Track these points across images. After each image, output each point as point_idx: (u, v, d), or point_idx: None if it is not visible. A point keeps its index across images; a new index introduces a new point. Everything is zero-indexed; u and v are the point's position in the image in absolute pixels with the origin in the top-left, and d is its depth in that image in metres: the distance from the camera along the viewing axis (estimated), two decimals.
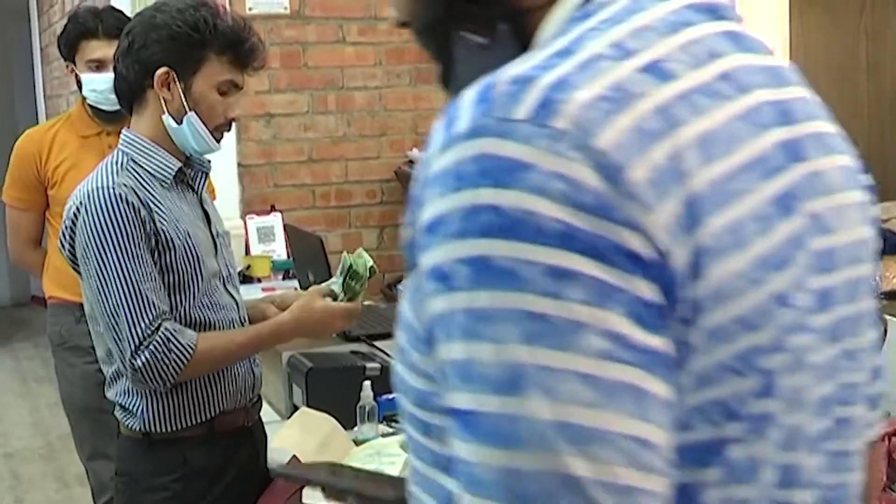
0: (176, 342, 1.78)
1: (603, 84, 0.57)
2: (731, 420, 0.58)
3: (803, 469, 0.64)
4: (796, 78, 0.72)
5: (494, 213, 0.54)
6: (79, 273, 1.85)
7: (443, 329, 0.56)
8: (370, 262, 2.01)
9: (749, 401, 0.59)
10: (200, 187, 2.00)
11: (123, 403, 1.89)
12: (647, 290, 0.54)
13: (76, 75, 2.98)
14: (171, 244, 1.82)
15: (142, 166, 1.87)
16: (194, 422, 1.89)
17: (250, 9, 4.07)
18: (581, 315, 0.53)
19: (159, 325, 1.78)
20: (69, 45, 2.97)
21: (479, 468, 0.54)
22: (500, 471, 0.53)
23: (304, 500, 1.79)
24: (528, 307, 0.53)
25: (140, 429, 1.87)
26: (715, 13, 0.67)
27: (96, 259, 1.77)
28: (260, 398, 2.06)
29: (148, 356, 1.77)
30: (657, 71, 0.59)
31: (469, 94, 0.58)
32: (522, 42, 0.68)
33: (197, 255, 1.87)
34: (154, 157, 1.88)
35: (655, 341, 0.54)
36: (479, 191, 0.54)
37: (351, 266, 2.00)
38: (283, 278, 3.79)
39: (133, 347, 1.76)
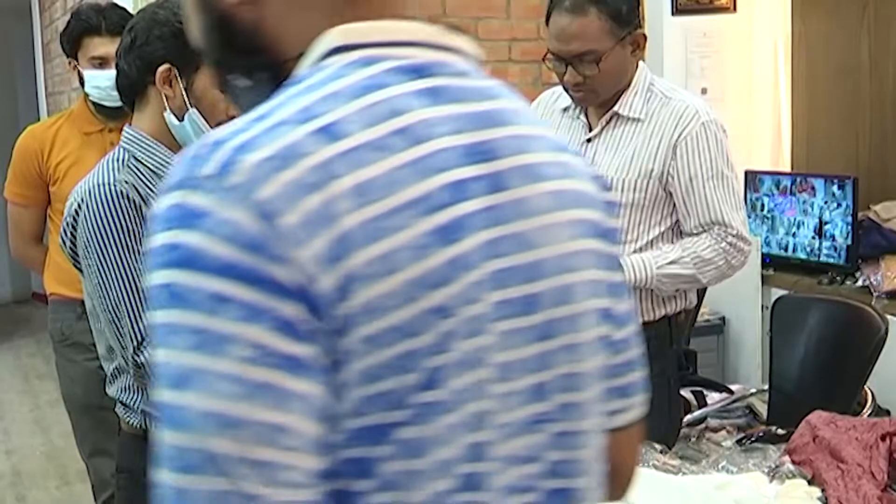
0: None
1: (276, 146, 0.71)
2: (397, 408, 0.71)
3: (495, 447, 0.77)
4: (516, 118, 0.84)
5: (179, 249, 0.69)
6: (80, 270, 1.85)
7: (153, 338, 0.72)
8: None
9: (414, 392, 0.71)
10: None
11: (124, 400, 1.89)
12: (290, 310, 0.68)
13: (79, 72, 2.98)
14: None
15: (143, 163, 1.87)
16: None
17: None
18: (233, 329, 0.67)
19: None
20: (72, 41, 2.97)
21: (163, 446, 0.69)
22: (172, 448, 0.68)
23: None
24: (195, 323, 0.68)
25: (141, 425, 1.87)
26: (420, 73, 0.79)
27: (97, 255, 1.77)
28: None
29: (151, 352, 1.76)
30: (329, 132, 0.72)
31: (186, 152, 0.73)
32: (281, 84, 0.80)
33: None
34: (155, 154, 1.89)
35: (299, 349, 0.68)
36: (173, 231, 0.70)
37: None
38: None
39: (136, 343, 1.76)
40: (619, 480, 0.94)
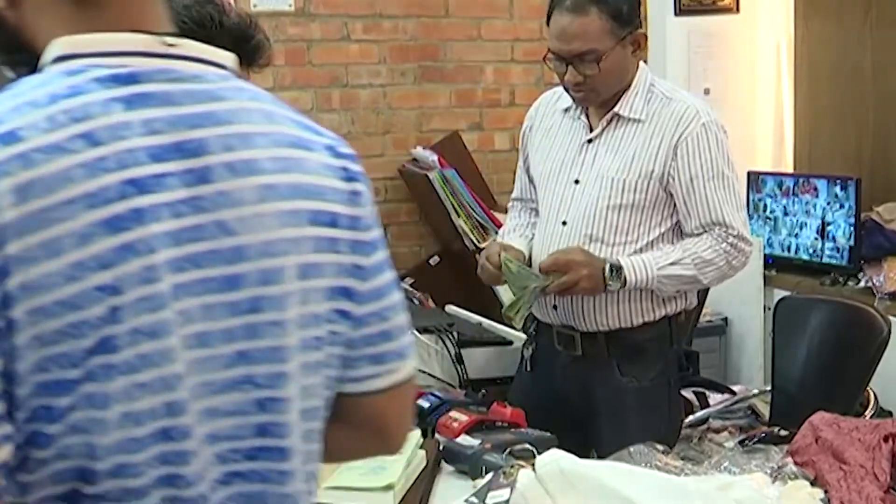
0: None
1: None
2: (74, 367, 0.83)
3: (193, 403, 0.89)
4: (241, 118, 0.93)
5: None
6: None
7: None
8: None
9: (88, 356, 0.84)
10: None
11: None
12: None
13: None
14: None
15: None
16: None
17: (255, 6, 4.08)
18: None
19: None
20: None
21: None
22: None
23: None
24: None
25: None
26: (123, 81, 0.89)
27: None
28: None
29: None
30: (9, 137, 0.83)
31: None
32: None
33: None
34: None
35: None
36: None
37: None
38: None
39: None
40: (387, 437, 1.08)
